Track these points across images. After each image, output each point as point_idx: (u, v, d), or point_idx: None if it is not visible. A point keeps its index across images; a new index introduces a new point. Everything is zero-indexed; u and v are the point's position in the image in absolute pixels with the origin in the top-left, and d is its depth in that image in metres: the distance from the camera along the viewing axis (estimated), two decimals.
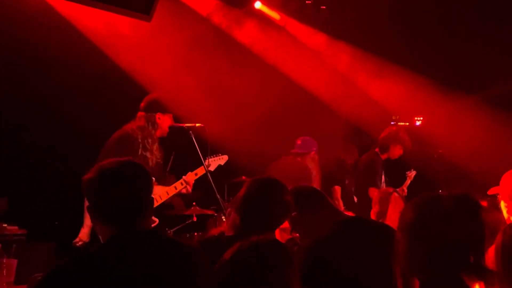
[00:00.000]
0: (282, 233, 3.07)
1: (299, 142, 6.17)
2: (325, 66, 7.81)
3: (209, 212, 5.80)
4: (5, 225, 5.18)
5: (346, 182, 7.07)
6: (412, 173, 7.07)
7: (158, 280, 1.93)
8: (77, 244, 4.31)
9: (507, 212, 3.69)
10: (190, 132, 4.81)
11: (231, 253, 1.92)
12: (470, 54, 7.56)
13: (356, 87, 8.01)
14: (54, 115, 6.16)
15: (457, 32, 7.69)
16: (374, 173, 6.18)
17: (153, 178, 4.56)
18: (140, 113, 4.71)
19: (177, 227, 5.62)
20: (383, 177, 6.33)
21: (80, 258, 1.96)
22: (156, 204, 4.57)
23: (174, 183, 4.94)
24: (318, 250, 2.01)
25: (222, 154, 5.27)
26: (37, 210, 5.87)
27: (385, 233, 2.40)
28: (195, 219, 5.71)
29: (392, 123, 7.51)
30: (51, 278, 1.92)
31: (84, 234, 4.33)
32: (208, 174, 4.81)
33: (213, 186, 4.77)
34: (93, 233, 4.24)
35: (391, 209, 3.97)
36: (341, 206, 6.52)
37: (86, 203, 2.15)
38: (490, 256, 2.08)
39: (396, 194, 4.10)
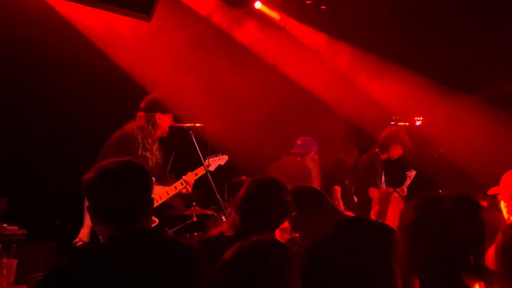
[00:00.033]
0: (282, 233, 3.07)
1: (299, 142, 6.17)
2: (325, 66, 7.81)
3: (209, 212, 5.80)
4: (5, 225, 5.18)
5: (346, 182, 7.07)
6: (412, 173, 7.07)
7: (158, 280, 1.93)
8: (77, 244, 4.31)
9: (507, 212, 3.69)
10: (190, 132, 4.81)
11: (231, 253, 1.92)
12: (470, 54, 7.56)
13: (356, 87, 8.01)
14: (54, 115, 6.16)
15: (457, 32, 7.68)
16: (374, 173, 6.18)
17: (153, 178, 4.57)
18: (140, 113, 4.71)
19: (177, 227, 5.61)
20: (383, 177, 6.33)
21: (80, 258, 1.96)
22: (156, 204, 4.57)
23: (174, 183, 4.94)
24: (318, 250, 2.01)
25: (222, 154, 5.27)
26: (37, 210, 5.87)
27: (385, 233, 2.40)
28: (195, 219, 5.71)
29: (392, 123, 7.51)
30: (51, 278, 1.92)
31: (84, 234, 4.32)
32: (208, 174, 4.81)
33: (213, 186, 4.77)
34: (93, 233, 4.24)
35: (391, 209, 3.97)
36: (341, 206, 6.52)
37: (86, 203, 2.15)
38: (490, 256, 2.08)
39: (396, 194, 4.10)
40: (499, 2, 7.49)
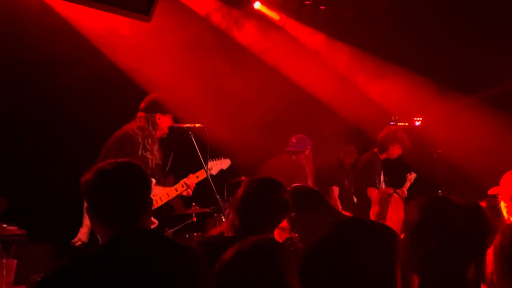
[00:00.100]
0: (280, 232, 3.07)
1: (294, 140, 6.16)
2: (325, 66, 7.81)
3: (209, 210, 5.79)
4: (4, 225, 5.18)
5: (346, 182, 7.07)
6: (412, 176, 7.08)
7: (157, 281, 1.93)
8: (76, 244, 4.31)
9: (507, 212, 3.69)
10: (190, 132, 4.80)
11: (231, 255, 1.92)
12: (470, 54, 7.56)
13: (356, 87, 8.01)
14: (54, 116, 6.15)
15: (456, 32, 7.69)
16: (373, 173, 6.19)
17: (153, 179, 4.57)
18: (140, 113, 4.71)
19: (177, 227, 5.62)
20: (382, 177, 6.33)
21: (80, 259, 1.96)
22: (156, 206, 4.58)
23: (173, 183, 4.94)
24: (317, 250, 2.00)
25: (224, 158, 5.27)
26: (36, 210, 5.87)
27: (384, 234, 2.40)
28: (194, 219, 5.71)
29: (391, 123, 7.52)
30: (51, 279, 1.92)
31: (83, 234, 4.32)
32: (209, 177, 4.81)
33: (213, 187, 4.77)
34: (92, 234, 4.24)
35: (391, 210, 3.97)
36: (338, 206, 6.53)
37: (86, 204, 2.15)
38: (489, 256, 2.08)
39: (396, 195, 4.10)
40: (499, 2, 7.50)
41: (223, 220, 5.41)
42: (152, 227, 4.46)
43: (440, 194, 6.75)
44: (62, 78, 5.91)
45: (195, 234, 5.70)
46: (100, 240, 2.12)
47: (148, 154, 4.57)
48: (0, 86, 5.69)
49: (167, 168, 5.46)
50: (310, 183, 5.90)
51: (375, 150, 6.43)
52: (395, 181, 6.59)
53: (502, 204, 3.73)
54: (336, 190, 6.97)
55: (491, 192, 4.00)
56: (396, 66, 7.76)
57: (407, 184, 7.07)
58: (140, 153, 4.52)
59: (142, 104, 4.74)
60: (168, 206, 5.28)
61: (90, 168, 2.14)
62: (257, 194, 2.72)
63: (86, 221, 4.29)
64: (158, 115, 4.70)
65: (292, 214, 3.04)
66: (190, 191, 4.82)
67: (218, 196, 4.77)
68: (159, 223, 4.64)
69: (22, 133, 5.99)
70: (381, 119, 7.51)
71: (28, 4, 5.56)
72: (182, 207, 6.12)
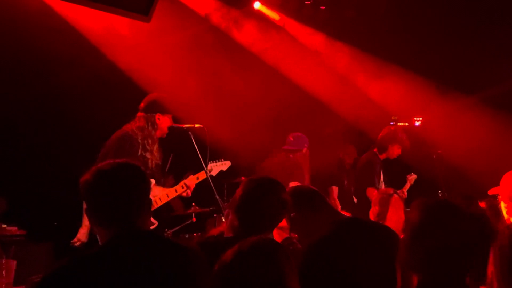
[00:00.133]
0: (280, 231, 3.07)
1: (291, 138, 6.14)
2: (325, 66, 7.81)
3: (208, 210, 5.79)
4: (4, 225, 5.18)
5: (345, 182, 7.07)
6: (412, 177, 7.08)
7: (156, 282, 1.93)
8: (75, 245, 4.31)
9: (507, 213, 3.70)
10: (190, 133, 4.80)
11: (231, 255, 1.92)
12: (470, 54, 7.56)
13: (356, 87, 8.01)
14: (53, 116, 6.16)
15: (456, 32, 7.68)
16: (372, 173, 6.18)
17: (153, 180, 4.57)
18: (140, 114, 4.70)
19: (177, 228, 5.61)
20: (381, 177, 6.33)
21: (79, 260, 1.96)
22: (156, 206, 4.58)
23: (172, 184, 4.93)
24: (317, 250, 2.00)
25: (224, 158, 5.26)
26: (36, 210, 5.87)
27: (383, 234, 2.39)
28: (194, 219, 5.71)
29: (391, 123, 7.52)
30: (50, 279, 1.91)
31: (82, 234, 4.32)
32: (209, 178, 4.81)
33: (213, 188, 4.77)
34: (91, 234, 4.24)
35: (391, 210, 3.96)
36: (338, 206, 6.53)
37: (85, 205, 2.15)
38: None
39: (396, 196, 4.10)
40: (499, 2, 7.50)
41: (223, 220, 5.41)
42: (151, 227, 4.46)
43: (440, 194, 6.75)
44: (62, 78, 5.91)
45: (195, 234, 5.70)
46: (99, 240, 2.12)
47: (147, 154, 4.57)
48: (0, 86, 5.70)
49: (167, 169, 5.46)
50: (307, 181, 5.89)
51: (375, 150, 6.43)
52: (395, 182, 6.58)
53: (502, 205, 3.74)
54: (335, 190, 6.96)
55: (491, 192, 4.01)
56: (396, 66, 7.76)
57: (407, 185, 7.06)
58: (139, 153, 4.52)
59: (142, 104, 4.73)
60: (167, 206, 5.28)
61: (90, 168, 2.14)
62: (255, 194, 2.72)
63: (86, 222, 4.28)
64: (157, 115, 4.69)
65: (292, 214, 3.04)
66: (189, 192, 4.82)
67: (218, 197, 4.77)
68: (159, 223, 4.64)
69: (22, 133, 5.99)
70: (381, 119, 7.51)
71: (28, 4, 5.56)
72: (181, 208, 6.12)
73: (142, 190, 2.14)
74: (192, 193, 4.97)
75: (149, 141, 4.60)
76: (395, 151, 6.38)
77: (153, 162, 4.62)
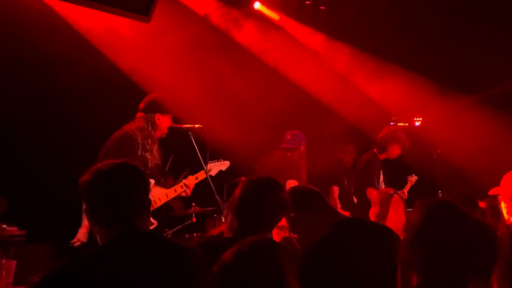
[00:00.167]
0: (279, 231, 3.07)
1: (288, 136, 6.11)
2: (324, 66, 7.81)
3: (209, 209, 5.78)
4: (4, 226, 5.18)
5: (345, 182, 7.07)
6: (413, 178, 7.08)
7: (156, 282, 1.93)
8: (75, 245, 4.30)
9: (507, 213, 3.70)
10: (190, 133, 4.80)
11: (231, 255, 1.92)
12: (470, 54, 7.56)
13: (356, 87, 8.01)
14: (53, 116, 6.15)
15: (456, 32, 7.69)
16: (372, 173, 6.18)
17: (153, 180, 4.56)
18: (139, 114, 4.69)
19: (177, 228, 5.61)
20: (381, 177, 6.33)
21: (78, 260, 1.96)
22: (155, 206, 4.57)
23: (172, 184, 4.93)
24: (317, 250, 2.00)
25: (224, 158, 5.26)
26: (36, 210, 5.87)
27: (383, 234, 2.40)
28: (194, 219, 5.71)
29: (391, 123, 7.51)
30: (49, 279, 1.91)
31: (82, 234, 4.31)
32: (209, 178, 4.80)
33: (213, 188, 4.76)
34: (91, 234, 4.23)
35: (392, 210, 3.96)
36: (338, 206, 6.53)
37: (84, 205, 2.15)
38: None
39: (397, 196, 4.09)
40: (499, 2, 7.50)
41: (223, 220, 5.41)
42: (151, 228, 4.46)
43: (440, 194, 6.75)
44: (62, 78, 5.91)
45: (195, 234, 5.69)
46: (99, 241, 2.12)
47: (147, 155, 4.56)
48: (0, 86, 5.70)
49: (166, 169, 5.46)
50: (304, 179, 5.88)
51: (375, 150, 6.43)
52: (396, 182, 6.59)
53: (502, 205, 3.74)
54: (336, 190, 6.96)
55: (491, 192, 4.01)
56: (396, 66, 7.76)
57: (408, 186, 7.06)
58: (139, 153, 4.51)
59: (141, 104, 4.73)
60: (167, 207, 5.28)
61: (89, 168, 2.14)
62: (254, 195, 2.72)
63: (85, 222, 4.27)
64: (157, 115, 4.69)
65: (292, 214, 3.04)
66: (188, 192, 4.82)
67: (218, 197, 4.76)
68: (159, 223, 4.63)
69: (22, 133, 5.99)
70: (381, 119, 7.51)
71: (28, 5, 5.56)
72: (181, 208, 6.12)
73: (141, 190, 2.14)
74: (192, 193, 4.97)
75: (149, 141, 4.60)
76: (395, 151, 6.37)
77: (153, 162, 4.61)
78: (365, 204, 5.55)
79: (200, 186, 4.97)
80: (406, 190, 6.97)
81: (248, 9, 7.37)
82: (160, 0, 4.74)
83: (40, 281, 1.93)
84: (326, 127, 7.36)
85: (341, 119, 7.77)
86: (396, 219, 3.85)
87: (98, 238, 2.13)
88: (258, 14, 7.49)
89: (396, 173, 6.86)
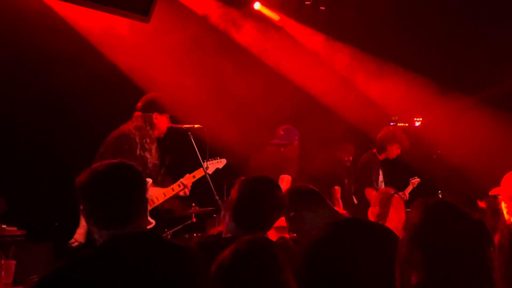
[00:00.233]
0: (276, 231, 3.07)
1: (281, 132, 6.06)
2: (324, 67, 7.81)
3: (208, 209, 5.78)
4: (4, 226, 5.17)
5: (346, 181, 7.07)
6: (415, 180, 7.08)
7: (154, 282, 1.92)
8: (73, 245, 4.30)
9: (507, 213, 3.70)
10: (189, 133, 4.79)
11: (229, 255, 1.91)
12: (470, 54, 7.56)
13: (356, 87, 8.01)
14: (53, 116, 6.15)
15: (456, 32, 7.68)
16: (371, 173, 6.19)
17: (150, 179, 4.54)
18: (137, 113, 4.69)
19: (176, 228, 5.61)
20: (381, 177, 6.33)
21: (77, 260, 1.95)
22: (153, 206, 4.57)
23: (170, 184, 4.92)
24: (316, 250, 2.00)
25: (221, 158, 5.25)
26: (36, 211, 5.87)
27: (382, 234, 2.39)
28: (194, 219, 5.70)
29: (391, 123, 7.51)
30: (48, 280, 1.91)
31: (80, 235, 4.31)
32: (208, 176, 4.80)
33: (212, 188, 4.75)
34: (89, 234, 4.23)
35: (392, 211, 3.95)
36: (340, 206, 6.52)
37: (81, 206, 2.14)
38: None
39: (397, 196, 4.09)
40: (499, 2, 7.49)
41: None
42: (149, 227, 4.45)
43: (440, 194, 6.75)
44: (62, 79, 5.91)
45: (194, 234, 5.69)
46: (97, 241, 2.11)
47: (146, 154, 4.55)
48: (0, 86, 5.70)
49: (163, 170, 5.44)
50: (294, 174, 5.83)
51: (374, 150, 6.43)
52: (397, 183, 6.58)
53: (503, 205, 3.74)
54: (338, 190, 6.95)
55: (491, 192, 4.01)
56: (396, 66, 7.75)
57: (410, 188, 7.05)
58: (138, 153, 4.50)
59: (139, 104, 4.72)
60: (167, 207, 5.28)
61: (86, 169, 2.14)
62: (252, 195, 2.72)
63: (83, 222, 4.27)
64: (155, 115, 4.68)
65: (291, 214, 3.03)
66: (187, 191, 4.81)
67: (217, 197, 4.75)
68: (158, 223, 4.63)
69: (22, 133, 5.99)
70: (381, 119, 7.51)
71: (28, 5, 5.56)
72: (181, 209, 6.11)
73: (138, 190, 2.13)
74: (192, 193, 4.96)
75: (148, 140, 4.59)
76: (394, 151, 6.37)
77: (152, 161, 4.61)
78: (365, 204, 5.55)
79: (200, 186, 4.97)
80: (407, 191, 6.97)
81: (248, 9, 7.37)
82: (160, 0, 4.74)
83: (39, 281, 1.93)
84: (326, 127, 7.35)
85: (341, 119, 7.76)
86: (398, 219, 3.84)
87: (95, 238, 2.13)
88: (258, 14, 7.48)
89: (397, 174, 6.85)
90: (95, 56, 6.12)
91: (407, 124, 7.85)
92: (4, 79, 5.71)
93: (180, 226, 5.62)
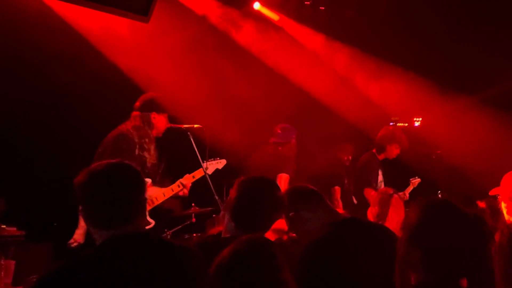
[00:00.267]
0: (273, 233, 3.07)
1: (278, 130, 6.04)
2: (324, 67, 7.81)
3: (208, 209, 5.77)
4: (3, 226, 5.17)
5: (345, 181, 7.07)
6: (416, 181, 7.08)
7: (153, 283, 1.92)
8: (72, 246, 4.29)
9: (507, 213, 3.69)
10: (189, 133, 4.79)
11: (228, 256, 1.91)
12: (469, 55, 7.56)
13: (355, 88, 8.01)
14: (53, 116, 6.15)
15: (456, 32, 7.68)
16: (370, 173, 6.19)
17: (149, 180, 4.53)
18: (135, 113, 4.68)
19: (176, 228, 5.60)
20: (380, 177, 6.33)
21: (76, 261, 1.95)
22: (152, 206, 4.56)
23: (169, 184, 4.91)
24: (315, 250, 2.00)
25: (221, 158, 5.25)
26: (36, 211, 5.86)
27: (382, 234, 2.39)
28: (194, 220, 5.70)
29: (391, 123, 7.51)
30: (47, 280, 1.91)
31: (79, 235, 4.30)
32: (207, 177, 4.79)
33: (212, 188, 4.75)
34: (88, 234, 4.22)
35: (392, 211, 3.95)
36: (340, 207, 6.52)
37: (80, 206, 2.14)
38: None
39: (396, 196, 4.08)
40: (499, 2, 7.49)
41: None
42: (148, 227, 4.45)
43: (439, 194, 6.75)
44: (61, 79, 5.91)
45: (194, 234, 5.68)
46: (96, 241, 2.10)
47: (145, 154, 4.54)
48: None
49: (161, 170, 5.44)
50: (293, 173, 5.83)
51: (373, 150, 6.43)
52: (397, 183, 6.58)
53: (503, 205, 3.73)
54: (338, 190, 6.95)
55: (492, 192, 4.01)
56: (396, 66, 7.75)
57: (410, 188, 7.05)
58: (137, 153, 4.50)
59: (137, 103, 4.72)
60: (166, 207, 5.27)
61: (85, 169, 2.13)
62: (251, 195, 2.71)
63: (82, 222, 4.26)
64: (153, 114, 4.67)
65: (291, 214, 3.03)
66: (186, 191, 4.81)
67: (217, 197, 4.75)
68: (158, 223, 4.62)
69: (22, 133, 5.98)
70: (381, 119, 7.50)
71: (27, 5, 5.56)
72: (180, 209, 6.10)
73: (136, 190, 2.13)
74: (192, 193, 4.96)
75: (146, 140, 4.58)
76: (393, 151, 6.37)
77: (151, 161, 4.60)
78: (364, 204, 5.55)
79: (200, 186, 4.96)
80: (407, 191, 6.97)
81: (248, 9, 7.36)
82: (160, 0, 4.73)
83: (38, 281, 1.92)
84: (326, 127, 7.35)
85: (341, 119, 7.76)
86: (396, 219, 3.84)
87: (94, 238, 2.12)
88: (258, 14, 7.48)
89: (396, 174, 6.85)
90: (95, 56, 6.12)
91: (406, 124, 7.85)
92: (4, 79, 5.71)
93: (180, 226, 5.62)
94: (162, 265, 1.97)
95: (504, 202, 3.75)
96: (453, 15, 7.59)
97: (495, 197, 3.96)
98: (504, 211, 3.74)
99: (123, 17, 4.93)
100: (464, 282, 1.76)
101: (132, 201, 2.09)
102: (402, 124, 7.67)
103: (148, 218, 4.52)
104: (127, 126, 4.58)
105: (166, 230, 5.40)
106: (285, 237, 3.01)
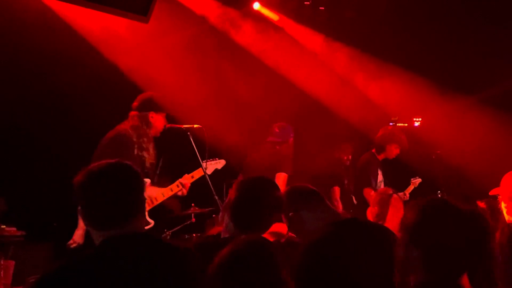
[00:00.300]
0: (272, 238, 3.06)
1: (276, 129, 6.01)
2: (324, 67, 7.81)
3: (208, 209, 5.77)
4: (3, 226, 5.18)
5: (345, 181, 7.07)
6: (417, 180, 7.08)
7: (152, 283, 1.92)
8: (71, 246, 4.29)
9: (507, 213, 3.69)
10: (188, 133, 4.78)
11: (227, 256, 1.91)
12: (469, 55, 7.56)
13: (355, 88, 8.01)
14: (53, 116, 6.15)
15: (456, 32, 7.68)
16: (369, 173, 6.19)
17: (148, 180, 4.53)
18: (133, 112, 4.68)
19: (176, 228, 5.60)
20: (380, 177, 6.32)
21: (75, 261, 1.95)
22: (151, 206, 4.56)
23: (168, 185, 4.91)
24: (315, 251, 2.00)
25: (220, 158, 5.25)
26: (35, 211, 5.86)
27: (381, 234, 2.39)
28: (194, 220, 5.70)
29: (391, 123, 7.51)
30: (47, 280, 1.91)
31: (78, 236, 4.30)
32: (207, 177, 4.79)
33: (212, 189, 4.75)
34: (87, 235, 4.22)
35: (391, 211, 3.95)
36: (340, 207, 6.52)
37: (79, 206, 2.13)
38: None
39: (396, 196, 4.08)
40: (498, 2, 7.49)
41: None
42: (148, 227, 4.45)
43: (439, 194, 6.75)
44: (61, 79, 5.91)
45: (194, 235, 5.68)
46: (95, 241, 2.10)
47: (144, 153, 4.54)
48: None
49: (158, 170, 5.43)
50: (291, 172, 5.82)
51: (373, 150, 6.43)
52: (396, 183, 6.58)
53: (502, 205, 3.73)
54: (337, 191, 6.95)
55: (492, 193, 4.01)
56: (396, 66, 7.75)
57: (411, 188, 7.05)
58: (136, 152, 4.49)
59: (135, 103, 4.71)
60: (166, 207, 5.27)
61: (83, 169, 2.12)
62: (250, 195, 2.71)
63: (81, 223, 4.26)
64: (151, 114, 4.66)
65: (290, 214, 3.03)
66: (185, 191, 4.80)
67: (217, 197, 4.75)
68: (158, 223, 4.62)
69: (22, 133, 5.99)
70: (381, 119, 7.50)
71: (27, 5, 5.56)
72: (180, 209, 6.10)
73: (136, 190, 2.12)
74: (192, 193, 4.95)
75: (145, 139, 4.58)
76: (393, 151, 6.37)
77: (149, 161, 4.60)
78: (364, 204, 5.55)
79: (199, 186, 4.96)
80: (408, 191, 6.96)
81: (247, 10, 7.36)
82: (159, 0, 4.73)
83: (38, 281, 1.92)
84: (326, 127, 7.35)
85: (341, 119, 7.76)
86: (396, 220, 3.84)
87: (94, 238, 2.12)
88: (257, 15, 7.48)
89: (396, 174, 6.85)
90: (94, 56, 6.12)
91: (406, 124, 7.85)
92: (4, 79, 5.71)
93: (180, 226, 5.62)
94: (161, 265, 1.97)
95: (504, 202, 3.75)
96: (453, 15, 7.59)
97: (495, 197, 3.96)
98: (504, 211, 3.73)
99: (123, 17, 4.92)
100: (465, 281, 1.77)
101: (132, 201, 2.09)
102: (402, 124, 7.67)
103: (148, 218, 4.52)
104: (125, 126, 4.57)
105: (166, 230, 5.40)
106: (282, 240, 3.00)
